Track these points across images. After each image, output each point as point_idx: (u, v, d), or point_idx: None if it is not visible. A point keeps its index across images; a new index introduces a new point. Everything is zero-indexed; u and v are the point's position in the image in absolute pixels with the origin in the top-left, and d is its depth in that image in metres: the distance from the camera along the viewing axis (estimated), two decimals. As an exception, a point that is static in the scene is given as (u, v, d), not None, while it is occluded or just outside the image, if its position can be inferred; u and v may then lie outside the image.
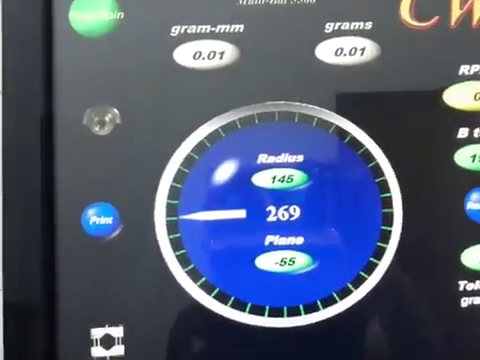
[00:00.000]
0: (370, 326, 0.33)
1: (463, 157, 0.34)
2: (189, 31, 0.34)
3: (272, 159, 0.34)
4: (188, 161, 0.33)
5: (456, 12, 0.35)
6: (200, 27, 0.34)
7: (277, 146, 0.34)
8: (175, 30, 0.34)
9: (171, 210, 0.33)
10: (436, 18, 0.35)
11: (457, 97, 0.34)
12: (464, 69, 0.35)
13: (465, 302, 0.34)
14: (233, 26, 0.34)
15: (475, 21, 0.35)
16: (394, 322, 0.33)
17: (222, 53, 0.34)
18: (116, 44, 0.33)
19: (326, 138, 0.34)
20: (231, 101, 0.34)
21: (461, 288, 0.34)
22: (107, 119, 0.33)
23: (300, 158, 0.34)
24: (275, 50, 0.34)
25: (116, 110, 0.33)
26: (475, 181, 0.34)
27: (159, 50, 0.33)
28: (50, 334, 0.32)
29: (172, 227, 0.33)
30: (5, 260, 0.33)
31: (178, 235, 0.33)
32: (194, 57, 0.34)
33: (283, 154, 0.34)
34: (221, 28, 0.34)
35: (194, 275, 0.33)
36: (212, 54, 0.34)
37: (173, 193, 0.33)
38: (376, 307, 0.33)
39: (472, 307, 0.34)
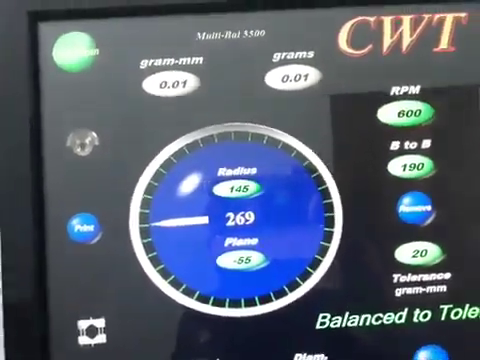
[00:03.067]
0: (316, 314, 0.38)
1: (395, 167, 0.39)
2: (156, 64, 0.39)
3: (230, 172, 0.39)
4: (157, 175, 0.38)
5: (387, 40, 0.40)
6: (165, 60, 0.39)
7: (234, 161, 0.39)
8: (144, 63, 0.39)
9: (143, 218, 0.38)
10: (370, 46, 0.40)
11: (389, 115, 0.39)
12: (395, 90, 0.40)
13: (399, 292, 0.39)
14: (193, 58, 0.39)
15: (404, 48, 0.40)
16: (337, 310, 0.38)
17: (185, 82, 0.39)
18: (93, 76, 0.39)
19: (275, 153, 0.39)
20: (193, 123, 0.39)
21: (395, 280, 0.38)
22: (87, 141, 0.39)
23: (254, 171, 0.39)
24: (230, 78, 0.39)
25: (95, 134, 0.38)
26: (406, 187, 0.39)
27: (130, 81, 0.39)
28: (43, 326, 0.37)
29: (144, 233, 0.38)
30: (4, 266, 0.38)
31: (150, 240, 0.38)
32: (160, 86, 0.39)
33: (239, 167, 0.39)
34: (183, 60, 0.39)
35: (164, 273, 0.38)
36: (176, 83, 0.39)
37: (145, 203, 0.38)
38: (321, 298, 0.38)
39: (405, 296, 0.38)
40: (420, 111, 0.39)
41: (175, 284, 0.38)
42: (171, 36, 0.39)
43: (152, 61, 0.39)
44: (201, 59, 0.39)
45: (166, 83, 0.39)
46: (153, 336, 0.37)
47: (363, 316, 0.38)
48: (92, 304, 0.37)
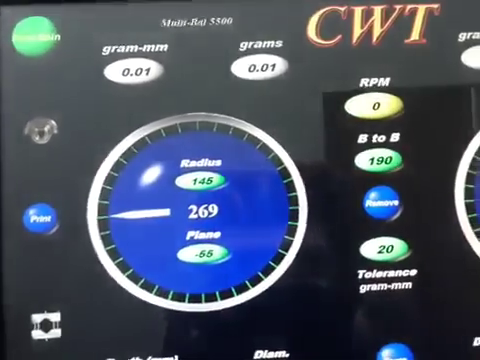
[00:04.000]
0: (279, 310, 0.37)
1: (363, 160, 0.38)
2: (119, 50, 0.38)
3: (193, 164, 0.38)
4: (118, 166, 0.37)
5: (357, 31, 0.39)
6: (128, 47, 0.38)
7: (198, 152, 0.38)
8: (106, 50, 0.38)
9: (102, 210, 0.37)
10: (339, 36, 0.39)
11: (358, 107, 0.38)
12: (364, 81, 0.39)
13: (363, 289, 0.38)
14: (158, 46, 0.38)
15: (374, 39, 0.39)
16: (300, 307, 0.37)
17: (148, 70, 0.38)
18: (54, 63, 0.37)
19: (241, 145, 0.38)
20: (156, 112, 0.38)
21: (360, 276, 0.38)
22: (46, 130, 0.37)
23: (218, 163, 0.38)
24: (195, 67, 0.38)
25: (54, 122, 0.37)
26: (373, 181, 0.38)
27: (92, 68, 0.37)
28: (-4, 319, 0.37)
29: (103, 225, 0.37)
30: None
31: (108, 232, 0.37)
32: (123, 74, 0.38)
33: (203, 159, 0.38)
34: (147, 47, 0.38)
35: (122, 267, 0.37)
36: (139, 71, 0.38)
37: (104, 194, 0.37)
38: (284, 293, 0.37)
39: (369, 293, 0.37)
40: (389, 104, 0.38)
41: (133, 278, 0.36)
42: (135, 22, 0.38)
43: (115, 48, 0.37)
44: (166, 46, 0.38)
45: (129, 70, 0.38)
46: (110, 331, 0.36)
47: (327, 312, 0.38)
48: (47, 297, 0.36)
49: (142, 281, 0.37)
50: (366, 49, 0.38)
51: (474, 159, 0.39)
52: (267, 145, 0.38)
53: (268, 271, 0.37)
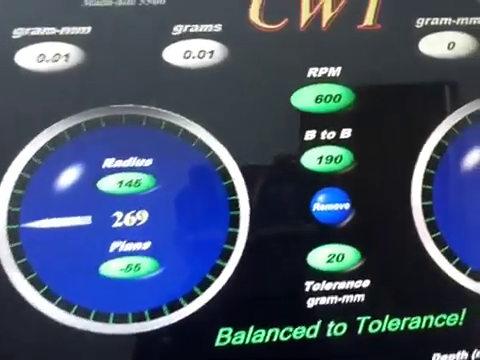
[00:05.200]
0: (216, 329, 0.33)
1: (310, 159, 0.34)
2: (33, 33, 0.33)
3: (119, 163, 0.33)
4: (30, 166, 0.32)
5: (306, 14, 0.35)
6: (44, 29, 0.33)
7: (124, 150, 0.33)
8: (18, 32, 0.33)
9: (12, 218, 0.32)
10: (285, 20, 0.35)
11: (305, 100, 0.35)
12: (312, 72, 0.35)
13: (311, 302, 0.34)
14: (79, 28, 0.33)
15: (324, 24, 0.35)
16: (240, 324, 0.33)
17: (67, 55, 0.33)
18: (-45, 46, 0.33)
19: (174, 142, 0.34)
20: (77, 104, 0.33)
21: (307, 289, 0.34)
22: None
23: (148, 162, 0.33)
24: (122, 52, 0.33)
25: (-45, 114, 0.33)
26: (321, 182, 0.34)
27: (0, 52, 0.33)
28: None
29: (13, 235, 0.32)
30: None
31: (19, 243, 0.32)
32: (38, 60, 0.33)
33: (131, 158, 0.33)
34: (66, 30, 0.33)
35: (36, 284, 0.32)
36: (57, 56, 0.33)
37: (14, 200, 0.32)
38: (223, 310, 0.33)
39: (318, 307, 0.34)
40: (340, 96, 0.35)
41: (49, 296, 0.32)
42: (53, 0, 0.33)
43: (28, 30, 0.32)
44: (88, 29, 0.33)
45: (44, 56, 0.33)
46: (22, 357, 0.31)
47: (270, 330, 0.33)
48: None
49: (59, 300, 0.32)
50: (315, 35, 0.35)
51: (432, 157, 0.36)
52: (204, 142, 0.33)
53: (205, 285, 0.33)
